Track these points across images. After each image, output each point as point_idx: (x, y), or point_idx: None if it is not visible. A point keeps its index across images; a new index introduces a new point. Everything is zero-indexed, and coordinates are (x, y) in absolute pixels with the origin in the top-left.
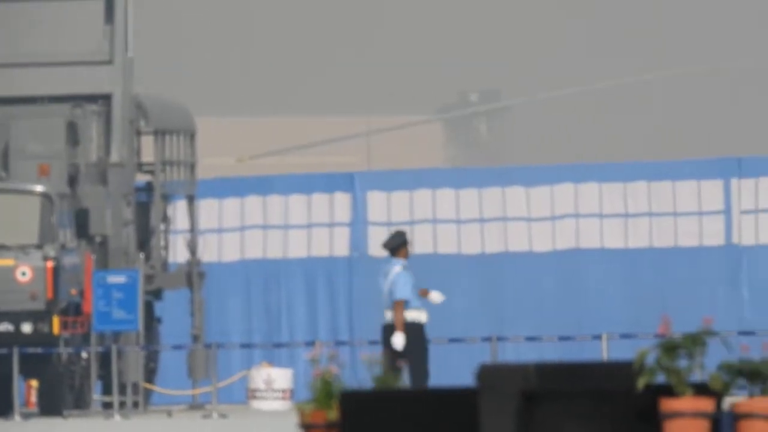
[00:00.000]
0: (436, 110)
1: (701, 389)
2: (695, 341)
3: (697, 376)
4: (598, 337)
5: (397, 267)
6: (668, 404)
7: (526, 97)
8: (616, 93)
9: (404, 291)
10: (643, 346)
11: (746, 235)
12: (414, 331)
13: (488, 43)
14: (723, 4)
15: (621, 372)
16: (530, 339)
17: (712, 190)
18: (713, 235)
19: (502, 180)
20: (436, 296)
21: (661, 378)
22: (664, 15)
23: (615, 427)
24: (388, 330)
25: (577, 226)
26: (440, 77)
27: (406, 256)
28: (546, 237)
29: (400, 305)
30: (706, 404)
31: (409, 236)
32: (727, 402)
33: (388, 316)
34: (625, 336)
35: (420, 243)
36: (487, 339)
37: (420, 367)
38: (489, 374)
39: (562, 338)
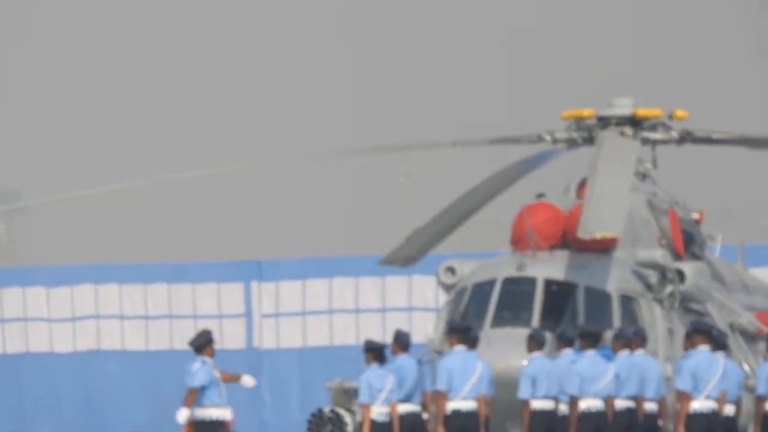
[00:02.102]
0: None
1: None
2: None
3: None
4: None
5: None
6: None
7: (46, 198)
8: (140, 194)
9: None
10: None
11: (267, 338)
12: None
13: (6, 142)
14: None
15: None
16: None
17: (232, 293)
18: (234, 338)
19: (22, 280)
20: None
21: None
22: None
23: None
24: None
25: (97, 326)
26: None
27: None
28: (67, 337)
29: None
30: None
31: None
32: None
33: None
34: None
35: None
36: None
37: None
38: None
39: None
